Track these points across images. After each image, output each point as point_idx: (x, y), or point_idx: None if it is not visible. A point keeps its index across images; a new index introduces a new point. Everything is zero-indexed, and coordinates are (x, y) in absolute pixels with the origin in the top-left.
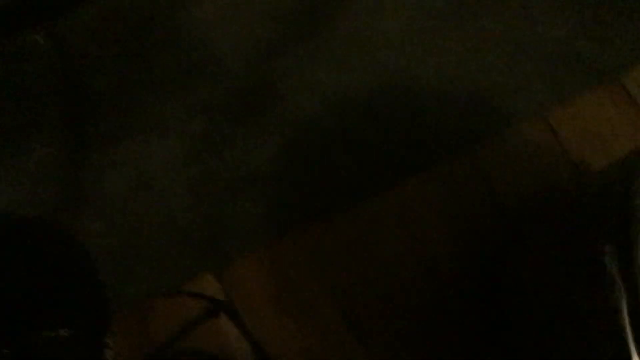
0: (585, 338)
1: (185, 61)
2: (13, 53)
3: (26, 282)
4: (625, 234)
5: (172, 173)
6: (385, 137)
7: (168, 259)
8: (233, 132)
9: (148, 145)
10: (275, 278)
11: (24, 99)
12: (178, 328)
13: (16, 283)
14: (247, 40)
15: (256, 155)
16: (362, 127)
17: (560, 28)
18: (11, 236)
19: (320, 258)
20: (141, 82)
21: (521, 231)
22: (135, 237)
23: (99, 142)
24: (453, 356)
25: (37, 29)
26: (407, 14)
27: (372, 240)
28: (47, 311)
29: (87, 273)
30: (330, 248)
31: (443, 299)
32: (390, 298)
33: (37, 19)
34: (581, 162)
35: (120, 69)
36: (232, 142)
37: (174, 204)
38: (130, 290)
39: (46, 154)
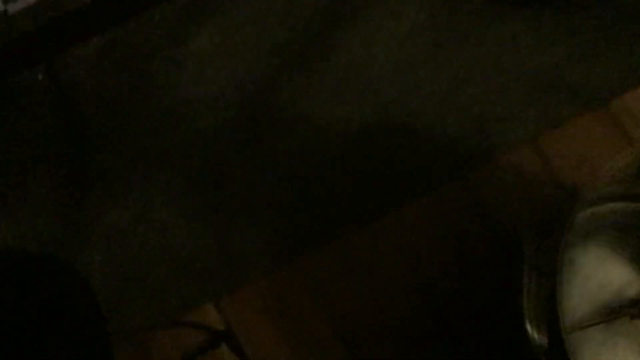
0: None
1: (184, 95)
2: (12, 90)
3: (28, 317)
4: None
5: (172, 206)
6: (381, 166)
7: (168, 290)
8: (231, 163)
9: (148, 179)
10: (275, 306)
11: (24, 136)
12: (180, 359)
13: (18, 318)
14: (244, 74)
15: (255, 186)
16: (358, 156)
17: (549, 56)
18: (13, 272)
19: (319, 285)
20: (140, 116)
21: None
22: (136, 269)
23: (100, 177)
24: None
25: (35, 66)
26: (398, 46)
27: (370, 267)
28: (49, 346)
29: (89, 307)
30: (329, 275)
31: (441, 324)
32: (390, 324)
33: (35, 56)
34: (572, 188)
35: (119, 104)
36: (231, 174)
37: (173, 235)
38: (131, 322)
39: (47, 189)
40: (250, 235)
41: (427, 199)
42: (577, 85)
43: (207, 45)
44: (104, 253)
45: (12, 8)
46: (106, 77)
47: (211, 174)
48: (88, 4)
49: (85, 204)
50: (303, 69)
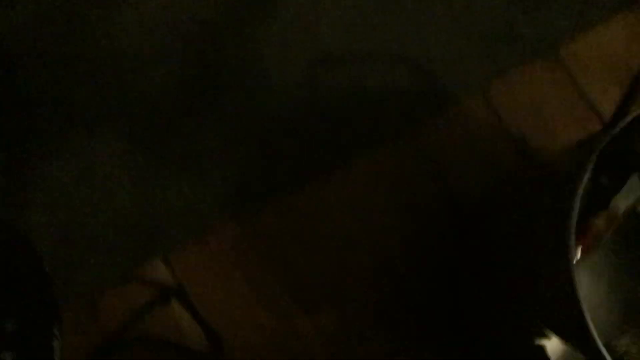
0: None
1: (125, 46)
2: None
3: None
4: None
5: (116, 162)
6: (330, 119)
7: (115, 248)
8: (176, 119)
9: (91, 136)
10: (224, 261)
11: None
12: (128, 316)
13: None
14: (188, 25)
15: (202, 140)
16: (307, 110)
17: (497, 6)
18: None
19: (269, 242)
20: (79, 69)
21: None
22: (81, 227)
23: (40, 133)
24: (399, 332)
25: None
26: None
27: (319, 222)
28: None
29: (32, 265)
30: (279, 232)
31: (390, 278)
32: (338, 277)
33: None
34: (520, 138)
35: (58, 65)
36: (175, 130)
37: (118, 192)
38: (78, 280)
39: None
40: (198, 191)
41: (377, 153)
42: (526, 35)
43: None
44: (47, 213)
45: None
46: (42, 41)
47: (156, 129)
48: None
49: (26, 163)
50: (250, 19)
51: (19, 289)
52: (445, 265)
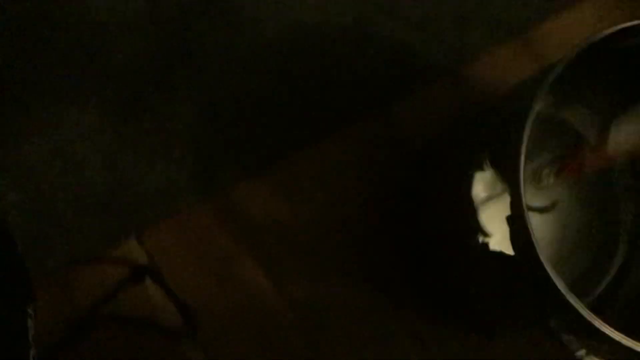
0: None
1: (96, 24)
2: None
3: None
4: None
5: (88, 141)
6: (301, 97)
7: (88, 227)
8: (149, 97)
9: (61, 114)
10: (197, 239)
11: None
12: (102, 294)
13: None
14: (159, 3)
15: (174, 120)
16: (277, 87)
17: None
18: None
19: (242, 219)
20: (49, 46)
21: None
22: (53, 206)
23: (10, 113)
24: (370, 308)
25: None
26: None
27: (289, 201)
28: None
29: (5, 246)
30: (249, 209)
31: (359, 255)
32: (310, 255)
33: None
34: None
35: (26, 40)
36: (148, 108)
37: (90, 171)
38: (51, 260)
39: None
40: (171, 169)
41: (347, 131)
42: (498, 15)
43: None
44: (18, 191)
45: None
46: (10, 2)
47: (127, 109)
48: None
49: None
50: None
51: None
52: (412, 245)
